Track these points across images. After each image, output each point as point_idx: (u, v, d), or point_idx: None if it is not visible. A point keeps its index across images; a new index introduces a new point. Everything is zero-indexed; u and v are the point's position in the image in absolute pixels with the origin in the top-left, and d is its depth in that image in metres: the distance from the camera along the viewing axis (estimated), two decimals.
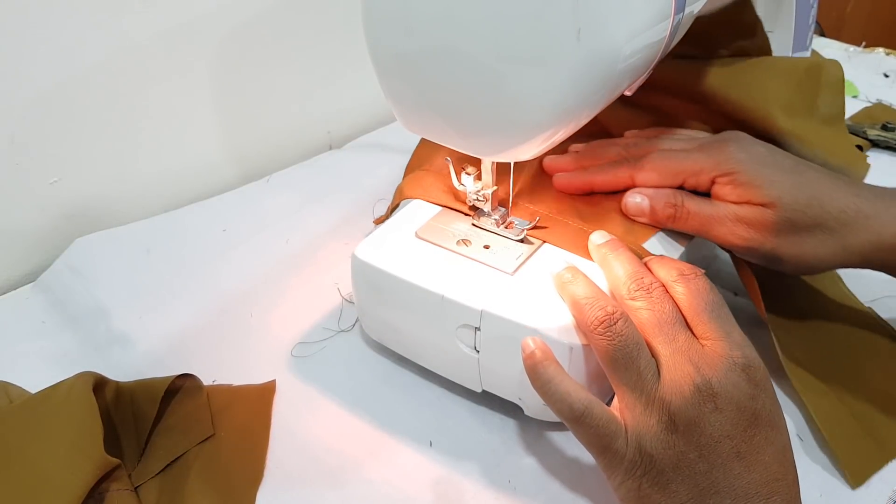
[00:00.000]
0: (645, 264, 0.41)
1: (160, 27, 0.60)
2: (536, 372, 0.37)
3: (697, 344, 0.36)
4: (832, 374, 0.46)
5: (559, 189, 0.48)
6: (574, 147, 0.51)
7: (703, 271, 0.39)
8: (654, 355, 0.37)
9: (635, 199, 0.46)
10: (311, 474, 0.42)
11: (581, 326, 0.38)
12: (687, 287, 0.38)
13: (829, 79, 0.50)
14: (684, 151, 0.46)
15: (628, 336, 0.36)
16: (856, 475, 0.41)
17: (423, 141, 0.56)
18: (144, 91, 0.61)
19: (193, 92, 0.65)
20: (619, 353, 0.36)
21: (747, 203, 0.43)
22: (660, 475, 0.34)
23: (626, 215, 0.46)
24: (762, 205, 0.42)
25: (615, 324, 0.37)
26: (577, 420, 0.36)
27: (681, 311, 0.38)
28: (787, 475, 0.34)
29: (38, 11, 0.53)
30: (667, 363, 0.36)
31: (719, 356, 0.35)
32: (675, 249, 0.46)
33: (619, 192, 0.47)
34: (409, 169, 0.55)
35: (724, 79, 0.49)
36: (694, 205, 0.44)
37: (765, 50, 0.50)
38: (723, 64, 0.49)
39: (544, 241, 0.45)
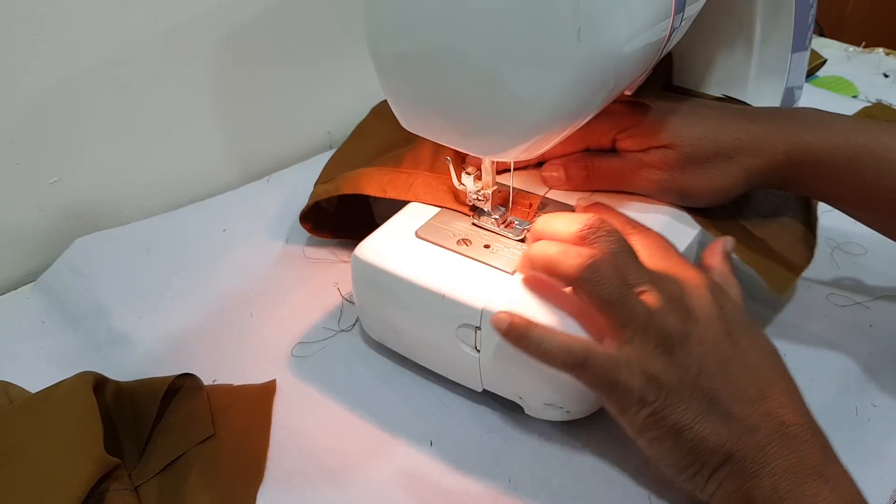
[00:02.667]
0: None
1: (160, 27, 0.60)
2: (526, 339, 0.38)
3: (663, 274, 0.39)
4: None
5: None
6: None
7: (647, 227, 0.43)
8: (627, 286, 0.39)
9: (552, 172, 0.49)
10: (311, 474, 0.42)
11: (566, 280, 0.39)
12: (643, 239, 0.42)
13: None
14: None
15: (611, 275, 0.38)
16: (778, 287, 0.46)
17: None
18: (144, 91, 0.61)
19: (193, 92, 0.65)
20: (607, 292, 0.37)
21: (649, 148, 0.47)
22: (669, 396, 0.36)
23: None
24: (663, 146, 0.46)
25: (598, 266, 0.38)
26: (581, 365, 0.37)
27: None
28: (782, 375, 0.37)
29: (38, 11, 0.53)
30: (648, 298, 0.38)
31: (684, 281, 0.39)
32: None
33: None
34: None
35: None
36: (603, 161, 0.48)
37: None
38: None
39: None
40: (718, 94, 0.54)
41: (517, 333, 0.39)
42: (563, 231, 0.40)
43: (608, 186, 0.49)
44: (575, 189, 0.49)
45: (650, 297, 0.37)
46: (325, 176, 0.57)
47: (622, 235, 0.39)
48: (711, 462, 0.36)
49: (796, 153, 0.45)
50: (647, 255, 0.40)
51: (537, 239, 0.42)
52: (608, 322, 0.38)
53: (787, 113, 0.47)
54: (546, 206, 0.48)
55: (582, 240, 0.39)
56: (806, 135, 0.45)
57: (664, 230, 0.44)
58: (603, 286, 0.37)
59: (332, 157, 0.61)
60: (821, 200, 0.49)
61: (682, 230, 0.47)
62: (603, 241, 0.39)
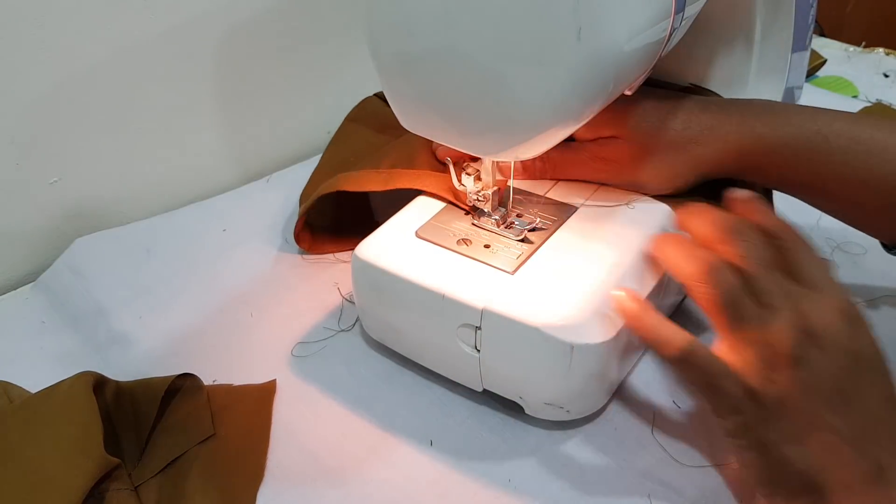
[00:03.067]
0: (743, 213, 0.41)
1: (160, 27, 0.60)
2: (640, 323, 0.39)
3: (799, 288, 0.36)
4: None
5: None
6: None
7: (801, 236, 0.39)
8: (756, 297, 0.37)
9: (514, 164, 0.49)
10: (311, 474, 0.42)
11: (683, 280, 0.38)
12: (790, 248, 0.38)
13: None
14: None
15: (730, 282, 0.36)
16: None
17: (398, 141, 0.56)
18: (144, 91, 0.61)
19: (193, 92, 0.65)
20: (724, 298, 0.36)
21: (599, 138, 0.47)
22: (763, 410, 0.35)
23: None
24: (613, 136, 0.47)
25: (717, 271, 0.37)
26: (684, 361, 0.36)
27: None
28: (892, 416, 0.35)
29: (38, 11, 0.53)
30: (770, 312, 0.36)
31: (822, 301, 0.36)
32: None
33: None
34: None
35: None
36: (557, 153, 0.48)
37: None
38: None
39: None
40: (685, 84, 0.52)
41: (631, 317, 0.39)
42: (700, 230, 0.40)
43: (564, 176, 0.50)
44: (532, 178, 0.50)
45: (774, 310, 0.35)
46: (311, 188, 0.57)
47: (760, 240, 0.38)
48: (793, 487, 0.34)
49: (748, 143, 0.44)
50: (788, 263, 0.38)
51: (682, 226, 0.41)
52: (719, 325, 0.37)
53: (741, 103, 0.47)
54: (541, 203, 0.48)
55: (719, 240, 0.38)
56: (757, 124, 0.44)
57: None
58: (723, 287, 0.36)
59: (315, 171, 0.61)
60: (781, 191, 0.48)
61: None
62: (737, 244, 0.37)
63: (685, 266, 0.38)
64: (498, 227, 0.46)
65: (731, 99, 0.47)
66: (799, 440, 0.34)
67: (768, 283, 0.36)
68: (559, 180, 0.50)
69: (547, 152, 0.46)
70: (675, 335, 0.37)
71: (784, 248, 0.38)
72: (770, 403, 0.35)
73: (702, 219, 0.39)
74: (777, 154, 0.44)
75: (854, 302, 0.36)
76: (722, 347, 0.37)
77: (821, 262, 0.38)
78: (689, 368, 0.36)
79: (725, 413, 0.36)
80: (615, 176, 0.48)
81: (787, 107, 0.45)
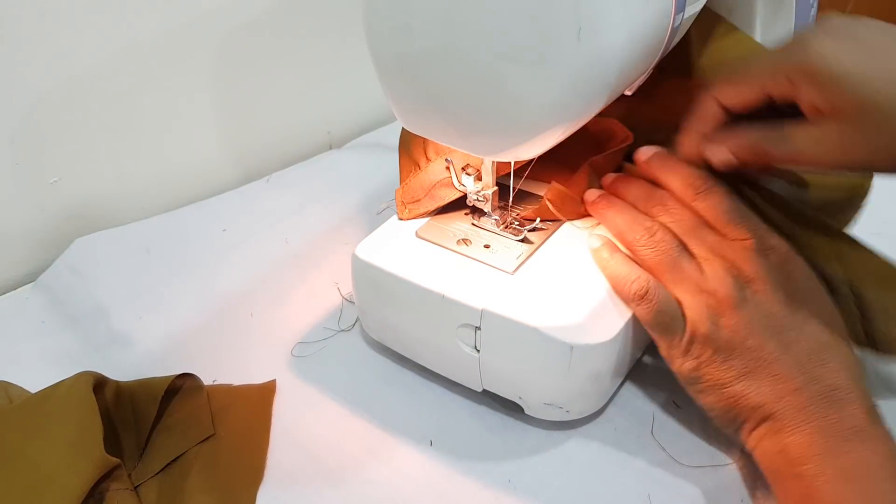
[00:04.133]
0: (653, 171, 0.43)
1: (160, 27, 0.60)
2: (606, 263, 0.42)
3: (720, 239, 0.40)
4: None
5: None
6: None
7: (714, 182, 0.41)
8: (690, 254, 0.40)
9: (719, 155, 0.40)
10: (311, 474, 0.42)
11: (626, 245, 0.42)
12: (705, 202, 0.41)
13: None
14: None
15: (667, 243, 0.40)
16: None
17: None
18: (144, 91, 0.61)
19: (193, 92, 0.65)
20: (664, 260, 0.40)
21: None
22: (715, 353, 0.38)
23: None
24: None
25: (654, 236, 0.40)
26: (642, 297, 0.39)
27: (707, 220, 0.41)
28: (838, 341, 0.38)
29: (38, 11, 0.53)
30: (705, 265, 0.39)
31: (748, 248, 0.39)
32: None
33: None
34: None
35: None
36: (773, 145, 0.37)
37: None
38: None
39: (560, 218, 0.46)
40: None
41: (599, 256, 0.42)
42: (610, 229, 0.43)
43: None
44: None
45: (708, 263, 0.39)
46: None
47: (676, 206, 0.41)
48: (753, 418, 0.37)
49: None
50: (714, 221, 0.41)
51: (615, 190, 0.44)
52: (665, 283, 0.40)
53: None
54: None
55: (647, 208, 0.42)
56: None
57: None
58: (660, 249, 0.40)
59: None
60: None
61: None
62: (663, 211, 0.41)
63: (628, 232, 0.41)
64: (498, 227, 0.46)
65: None
66: (750, 375, 0.37)
67: (693, 244, 0.40)
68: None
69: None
70: (634, 275, 0.40)
71: (701, 199, 0.41)
72: (720, 346, 0.38)
73: (627, 189, 0.43)
74: None
75: (779, 243, 0.39)
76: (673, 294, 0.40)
77: (735, 205, 0.40)
78: (646, 308, 0.39)
79: (679, 357, 0.39)
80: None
81: None
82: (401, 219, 0.48)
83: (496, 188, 0.45)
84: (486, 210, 0.46)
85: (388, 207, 0.56)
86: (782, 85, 0.35)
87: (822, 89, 0.34)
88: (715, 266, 0.39)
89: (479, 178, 0.45)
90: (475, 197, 0.46)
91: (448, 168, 0.47)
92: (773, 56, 0.36)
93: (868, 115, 0.33)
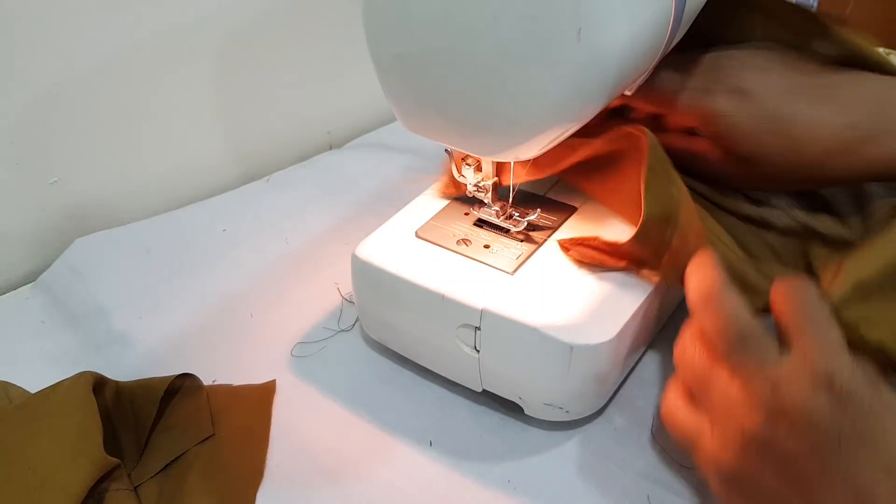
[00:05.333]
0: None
1: (160, 27, 0.60)
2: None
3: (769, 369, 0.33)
4: None
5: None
6: None
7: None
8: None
9: None
10: (311, 474, 0.42)
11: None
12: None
13: None
14: None
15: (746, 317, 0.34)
16: None
17: None
18: (144, 91, 0.61)
19: (193, 92, 0.65)
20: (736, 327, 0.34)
21: None
22: (736, 484, 0.33)
23: None
24: None
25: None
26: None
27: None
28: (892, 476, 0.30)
29: (38, 11, 0.53)
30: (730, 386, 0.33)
31: (785, 373, 0.32)
32: None
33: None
34: None
35: None
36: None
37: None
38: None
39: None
40: None
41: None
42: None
43: None
44: None
45: (733, 389, 0.33)
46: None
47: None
48: None
49: None
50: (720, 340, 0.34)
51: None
52: (723, 350, 0.34)
53: None
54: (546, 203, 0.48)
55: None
56: None
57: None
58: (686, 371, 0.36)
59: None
60: None
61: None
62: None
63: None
64: (498, 217, 0.46)
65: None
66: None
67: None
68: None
69: None
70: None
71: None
72: (744, 479, 0.33)
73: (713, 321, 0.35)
74: None
75: (839, 368, 0.31)
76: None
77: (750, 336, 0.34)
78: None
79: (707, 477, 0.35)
80: None
81: None
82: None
83: (496, 178, 0.45)
84: (486, 201, 0.46)
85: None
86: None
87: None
88: (742, 392, 0.33)
89: (478, 169, 0.45)
90: (475, 188, 0.46)
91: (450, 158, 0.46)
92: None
93: None
